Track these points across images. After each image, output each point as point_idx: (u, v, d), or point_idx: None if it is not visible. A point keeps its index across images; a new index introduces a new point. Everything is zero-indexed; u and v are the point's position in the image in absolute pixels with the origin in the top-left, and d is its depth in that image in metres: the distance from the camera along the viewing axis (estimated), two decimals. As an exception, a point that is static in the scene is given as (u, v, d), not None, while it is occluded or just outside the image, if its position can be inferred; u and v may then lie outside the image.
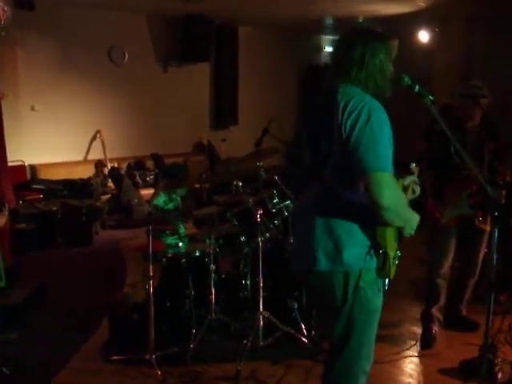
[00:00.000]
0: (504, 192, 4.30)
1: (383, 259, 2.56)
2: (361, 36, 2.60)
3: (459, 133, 4.29)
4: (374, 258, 2.56)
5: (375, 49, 2.57)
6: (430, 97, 2.81)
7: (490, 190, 2.92)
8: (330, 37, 12.99)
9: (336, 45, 2.69)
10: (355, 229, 2.53)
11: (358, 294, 2.55)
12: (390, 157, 2.43)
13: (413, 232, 2.67)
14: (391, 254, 2.57)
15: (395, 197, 2.41)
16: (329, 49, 13.72)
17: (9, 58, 8.83)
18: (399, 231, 2.64)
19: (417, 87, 2.77)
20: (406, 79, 2.75)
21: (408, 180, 2.77)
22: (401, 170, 2.77)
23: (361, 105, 2.41)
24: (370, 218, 2.47)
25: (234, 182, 5.21)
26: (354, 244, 2.53)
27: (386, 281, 2.65)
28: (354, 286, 2.53)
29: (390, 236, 2.58)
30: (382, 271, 2.57)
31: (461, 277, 4.89)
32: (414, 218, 2.64)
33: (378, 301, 2.67)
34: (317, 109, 2.63)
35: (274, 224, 4.90)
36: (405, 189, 2.74)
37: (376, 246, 2.54)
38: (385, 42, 2.63)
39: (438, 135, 4.42)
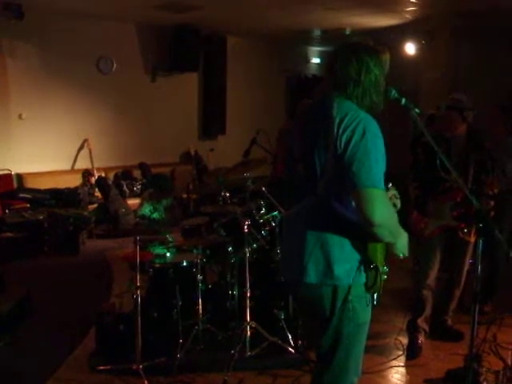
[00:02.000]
0: (493, 203, 4.34)
1: (375, 275, 2.56)
2: (356, 51, 2.58)
3: (444, 144, 4.35)
4: (363, 273, 2.56)
5: (370, 64, 2.56)
6: (417, 109, 2.84)
7: (475, 201, 2.94)
8: (318, 48, 13.06)
9: (330, 59, 2.66)
10: (347, 244, 2.53)
11: (347, 307, 2.55)
12: (382, 173, 2.44)
13: (406, 252, 2.69)
14: (381, 269, 2.59)
15: (386, 213, 2.43)
16: (316, 60, 13.79)
17: (-3, 67, 8.82)
18: (387, 248, 2.65)
19: (403, 100, 2.80)
20: (393, 92, 2.77)
21: (389, 193, 2.78)
22: (393, 183, 2.78)
23: (356, 120, 2.41)
24: (362, 233, 2.48)
25: (222, 193, 5.23)
26: (345, 259, 2.53)
27: (375, 295, 2.65)
28: (342, 300, 2.54)
29: (381, 251, 2.59)
30: (373, 286, 2.58)
31: (446, 287, 4.92)
32: (404, 236, 2.67)
33: (367, 314, 2.68)
34: (311, 122, 2.62)
35: (261, 234, 4.92)
36: None
37: (367, 262, 2.55)
38: (378, 56, 2.62)
39: (424, 147, 4.47)
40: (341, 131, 2.40)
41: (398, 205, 2.81)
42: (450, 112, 4.51)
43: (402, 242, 2.64)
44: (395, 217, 2.55)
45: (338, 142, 2.40)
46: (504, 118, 5.48)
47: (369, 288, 2.59)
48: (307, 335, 3.13)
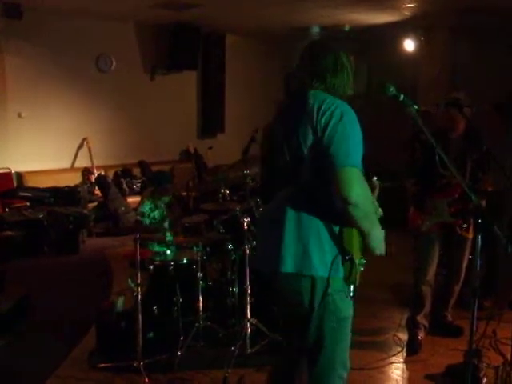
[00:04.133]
0: (484, 202, 4.34)
1: (350, 266, 2.59)
2: (332, 47, 2.74)
3: (443, 142, 4.35)
4: (341, 266, 2.59)
5: (343, 59, 2.71)
6: (415, 106, 2.85)
7: (474, 197, 2.95)
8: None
9: (307, 54, 2.77)
10: (324, 235, 2.57)
11: (327, 301, 2.59)
12: (360, 156, 2.51)
13: (382, 250, 2.71)
14: (357, 261, 2.61)
15: (363, 193, 2.48)
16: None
17: (-4, 66, 8.82)
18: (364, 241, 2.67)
19: (402, 96, 2.81)
20: (391, 89, 2.80)
21: (375, 191, 2.82)
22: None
23: (333, 106, 2.51)
24: (339, 219, 2.53)
25: (222, 190, 5.24)
26: (323, 250, 2.56)
27: (352, 287, 2.66)
28: (321, 293, 2.57)
29: (356, 243, 2.62)
30: (349, 278, 2.61)
31: (445, 283, 4.94)
32: (380, 231, 2.71)
33: (348, 307, 2.71)
34: (289, 113, 2.69)
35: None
36: None
37: (343, 253, 2.58)
38: (348, 53, 2.77)
39: (422, 144, 4.48)
40: (320, 116, 2.49)
41: (379, 212, 2.82)
42: (449, 109, 4.52)
43: (377, 235, 2.67)
44: (371, 200, 2.61)
45: (318, 126, 2.49)
46: (499, 117, 5.50)
47: (345, 280, 2.61)
48: (284, 333, 3.11)
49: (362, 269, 2.68)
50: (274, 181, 2.78)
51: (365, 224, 2.56)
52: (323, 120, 2.48)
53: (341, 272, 2.59)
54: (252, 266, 3.03)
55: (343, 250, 2.58)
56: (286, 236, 2.59)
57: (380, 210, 2.84)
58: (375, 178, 2.88)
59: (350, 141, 2.46)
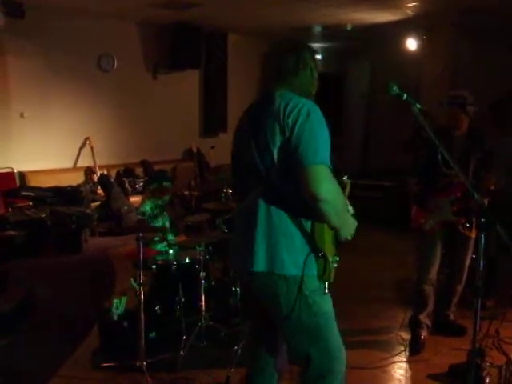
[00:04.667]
0: (486, 201, 4.34)
1: (324, 263, 2.59)
2: (294, 46, 2.78)
3: (446, 140, 4.35)
4: (314, 264, 2.59)
5: (306, 58, 2.75)
6: (418, 105, 2.84)
7: (478, 196, 2.95)
8: (320, 44, 13.04)
9: (270, 55, 2.83)
10: (295, 232, 2.57)
11: (306, 302, 2.59)
12: (328, 153, 2.51)
13: (349, 236, 2.72)
14: (330, 258, 2.61)
15: (332, 190, 2.48)
16: (318, 56, 13.78)
17: (-2, 65, 8.83)
18: (336, 237, 2.68)
19: (405, 95, 2.81)
20: (394, 88, 2.79)
21: (346, 190, 2.83)
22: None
23: (300, 105, 2.52)
24: (311, 216, 2.55)
25: (224, 190, 5.24)
26: (293, 247, 2.57)
27: (326, 284, 2.64)
28: (296, 293, 2.56)
29: (328, 240, 2.62)
30: (323, 276, 2.60)
31: (448, 283, 4.94)
32: (352, 221, 2.74)
33: (327, 303, 2.70)
34: (257, 114, 2.69)
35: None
36: None
37: (315, 250, 2.58)
38: (312, 51, 2.82)
39: (424, 142, 4.47)
40: (286, 115, 2.50)
41: (351, 210, 2.82)
42: (452, 108, 4.52)
43: (348, 227, 2.70)
44: (341, 196, 2.60)
45: (285, 127, 2.49)
46: (494, 116, 5.50)
47: (319, 277, 2.61)
48: (252, 336, 3.11)
49: (336, 265, 2.68)
50: (243, 180, 2.78)
51: (336, 220, 2.56)
52: (290, 119, 2.49)
53: (314, 270, 2.59)
54: (230, 267, 3.06)
55: (315, 248, 2.58)
56: (257, 235, 2.59)
57: (351, 208, 2.83)
58: (345, 177, 2.88)
59: (318, 138, 2.47)
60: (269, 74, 2.78)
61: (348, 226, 2.70)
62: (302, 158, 2.44)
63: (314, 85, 2.78)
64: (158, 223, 5.54)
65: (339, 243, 2.72)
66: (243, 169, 2.75)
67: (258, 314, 2.94)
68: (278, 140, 2.52)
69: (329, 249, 2.61)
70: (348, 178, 2.89)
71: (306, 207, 2.49)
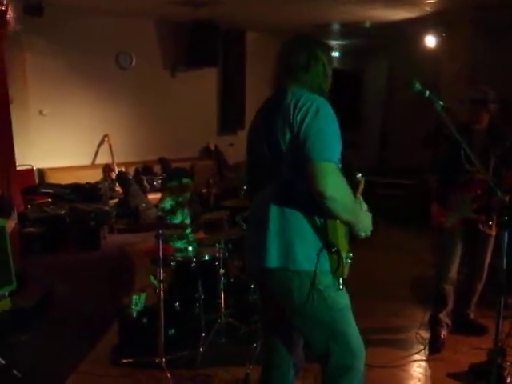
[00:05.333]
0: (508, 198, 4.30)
1: (337, 259, 2.58)
2: (306, 42, 2.80)
3: (466, 137, 4.31)
4: (327, 260, 2.58)
5: (318, 53, 2.74)
6: (441, 102, 2.83)
7: (500, 193, 2.92)
8: (338, 42, 13.00)
9: (282, 51, 2.84)
10: (308, 228, 2.57)
11: (321, 296, 2.58)
12: (337, 150, 2.51)
13: (368, 232, 2.71)
14: (343, 253, 2.60)
15: (339, 187, 2.47)
16: (336, 54, 13.74)
17: (17, 63, 8.86)
18: (351, 232, 2.67)
19: (427, 92, 2.79)
20: (416, 85, 2.78)
21: (360, 187, 2.80)
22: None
23: (309, 102, 2.52)
24: (322, 213, 2.53)
25: (244, 187, 5.23)
26: (306, 242, 2.56)
27: (341, 280, 2.63)
28: (309, 288, 2.55)
29: (342, 235, 2.61)
30: (337, 271, 2.59)
31: (467, 281, 4.90)
32: (366, 216, 2.72)
33: (344, 298, 2.69)
34: (269, 111, 2.70)
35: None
36: None
37: (328, 246, 2.57)
38: (326, 47, 2.84)
39: (446, 139, 4.44)
40: (296, 112, 2.51)
41: (365, 208, 2.80)
42: (474, 105, 4.49)
43: (364, 223, 2.68)
44: (349, 193, 2.55)
45: (294, 123, 2.50)
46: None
47: (333, 273, 2.60)
48: (268, 333, 3.10)
49: (350, 261, 2.67)
50: (257, 177, 2.77)
51: (346, 216, 2.55)
52: (299, 116, 2.49)
53: (327, 265, 2.58)
54: (246, 265, 3.06)
55: (328, 243, 2.57)
56: (270, 232, 2.59)
57: (365, 205, 2.80)
58: (359, 174, 2.85)
59: (325, 136, 2.47)
60: (281, 71, 2.79)
61: (363, 222, 2.68)
62: (308, 154, 2.44)
63: (326, 81, 2.77)
64: (178, 220, 5.55)
65: (355, 239, 2.70)
66: (257, 166, 2.75)
67: (273, 310, 2.93)
68: (288, 137, 2.52)
69: (342, 244, 2.60)
70: (362, 176, 2.86)
71: (316, 204, 2.48)
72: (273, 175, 2.62)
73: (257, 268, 2.72)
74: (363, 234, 2.70)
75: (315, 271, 2.53)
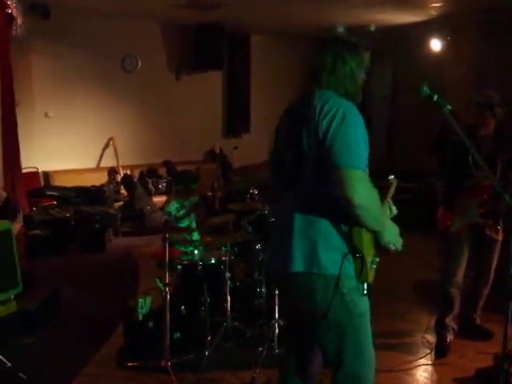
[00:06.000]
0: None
1: (361, 264, 2.56)
2: (333, 44, 2.72)
3: (473, 141, 4.30)
4: (352, 264, 2.56)
5: (346, 56, 2.67)
6: (448, 106, 2.82)
7: (508, 198, 2.91)
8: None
9: (310, 53, 2.80)
10: (333, 233, 2.55)
11: (344, 300, 2.55)
12: (364, 157, 2.48)
13: (398, 246, 2.69)
14: (368, 258, 2.58)
15: (367, 194, 2.44)
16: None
17: (23, 66, 8.89)
18: (376, 239, 2.64)
19: (435, 97, 2.78)
20: (424, 89, 2.76)
21: (391, 189, 2.79)
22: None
23: (336, 106, 2.48)
24: (348, 220, 2.51)
25: (251, 190, 5.24)
26: (332, 248, 2.54)
27: (365, 285, 2.62)
28: (333, 292, 2.53)
29: (367, 241, 2.59)
30: (360, 276, 2.57)
31: (474, 286, 4.89)
32: (393, 227, 2.70)
33: (365, 304, 2.67)
34: (295, 114, 2.68)
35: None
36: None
37: (353, 251, 2.55)
38: (357, 50, 2.74)
39: (453, 144, 4.43)
40: (322, 116, 2.47)
41: (394, 211, 2.79)
42: (480, 109, 4.48)
43: (389, 233, 2.65)
44: (378, 201, 2.53)
45: (320, 128, 2.46)
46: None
47: (357, 277, 2.58)
48: (293, 339, 3.08)
49: (375, 266, 2.64)
50: (281, 181, 2.75)
51: (373, 224, 2.53)
52: (325, 121, 2.46)
53: (351, 270, 2.56)
54: (268, 270, 3.05)
55: (353, 248, 2.55)
56: (295, 237, 2.57)
57: (394, 208, 2.80)
58: (392, 176, 2.84)
59: (352, 142, 2.43)
60: (308, 73, 2.74)
61: (390, 231, 2.66)
62: (336, 162, 2.41)
63: (355, 86, 2.70)
64: (184, 224, 5.55)
65: (380, 247, 2.67)
66: (281, 170, 2.72)
67: (294, 315, 2.92)
68: (313, 142, 2.49)
69: (367, 249, 2.58)
70: (394, 178, 2.85)
71: (341, 210, 2.46)
72: (297, 179, 2.60)
73: (281, 273, 2.69)
74: (392, 247, 2.68)
75: (339, 274, 2.51)
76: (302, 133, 2.54)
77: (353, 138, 2.44)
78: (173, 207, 5.64)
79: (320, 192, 2.53)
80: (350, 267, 2.56)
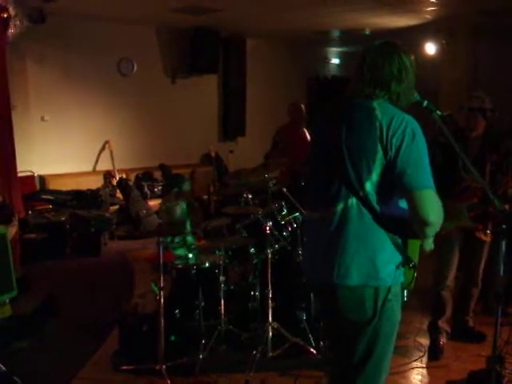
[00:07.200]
0: (507, 206, 4.28)
1: (413, 273, 2.57)
2: (395, 50, 2.61)
3: (461, 143, 4.31)
4: (402, 272, 2.56)
5: (407, 64, 2.60)
6: (438, 112, 2.83)
7: (498, 202, 2.93)
8: (338, 49, 13.05)
9: (367, 60, 2.60)
10: (388, 245, 2.52)
11: (386, 307, 2.54)
12: (432, 175, 2.45)
13: (432, 246, 2.67)
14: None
15: (440, 214, 2.43)
16: (336, 60, 13.77)
17: (19, 70, 8.89)
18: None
19: (425, 102, 2.79)
20: (415, 95, 2.77)
21: None
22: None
23: (404, 123, 2.42)
24: (402, 231, 2.51)
25: (244, 194, 5.25)
26: (389, 260, 2.52)
27: (405, 292, 2.65)
28: (382, 300, 2.52)
29: (417, 248, 2.60)
30: (410, 284, 2.59)
31: (463, 288, 4.91)
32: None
33: (399, 313, 2.66)
34: (351, 122, 2.55)
35: (283, 235, 4.94)
36: None
37: (406, 261, 2.55)
38: (411, 57, 2.65)
39: (442, 147, 4.44)
40: (390, 135, 2.40)
41: None
42: (472, 114, 4.49)
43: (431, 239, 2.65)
44: (443, 215, 2.50)
45: (389, 146, 2.40)
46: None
47: (405, 286, 2.59)
48: (332, 342, 3.04)
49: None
50: (321, 188, 2.66)
51: (432, 235, 2.53)
52: (394, 139, 2.39)
53: (401, 278, 2.57)
54: (306, 280, 2.98)
55: (407, 258, 2.55)
56: (349, 248, 2.51)
57: None
58: None
59: (424, 161, 2.41)
60: (366, 79, 2.57)
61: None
62: (411, 182, 2.38)
63: (413, 93, 2.65)
64: (178, 227, 5.56)
65: None
66: (326, 176, 2.63)
67: (338, 324, 2.78)
68: (380, 158, 2.43)
69: (417, 258, 2.60)
70: None
71: (399, 225, 2.48)
72: (352, 190, 2.51)
73: (329, 284, 2.60)
74: (428, 250, 2.66)
75: (391, 286, 2.52)
76: (367, 149, 2.45)
77: (424, 157, 2.42)
78: (167, 211, 5.65)
79: (380, 207, 2.49)
80: (400, 275, 2.56)
